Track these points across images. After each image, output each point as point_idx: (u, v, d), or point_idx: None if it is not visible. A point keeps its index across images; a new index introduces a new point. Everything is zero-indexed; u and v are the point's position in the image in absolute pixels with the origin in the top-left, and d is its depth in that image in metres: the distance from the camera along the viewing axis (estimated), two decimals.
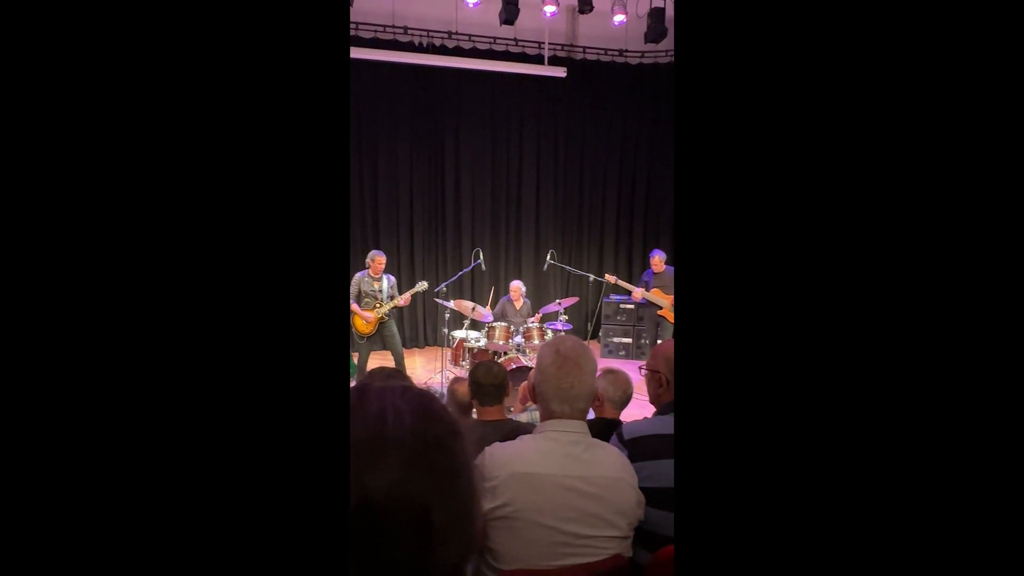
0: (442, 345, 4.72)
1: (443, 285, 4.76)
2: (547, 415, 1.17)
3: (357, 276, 4.17)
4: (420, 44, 5.39)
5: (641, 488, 1.15)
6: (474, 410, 2.13)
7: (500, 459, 1.10)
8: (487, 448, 1.14)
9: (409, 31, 5.33)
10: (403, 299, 4.16)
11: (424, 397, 0.46)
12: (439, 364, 4.68)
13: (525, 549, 1.06)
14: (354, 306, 4.12)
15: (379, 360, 4.34)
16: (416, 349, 5.85)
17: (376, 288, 4.13)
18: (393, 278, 4.28)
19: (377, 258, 4.17)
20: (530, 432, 1.27)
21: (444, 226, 5.87)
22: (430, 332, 5.92)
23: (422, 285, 4.32)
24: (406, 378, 1.39)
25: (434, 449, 0.42)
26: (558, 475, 1.08)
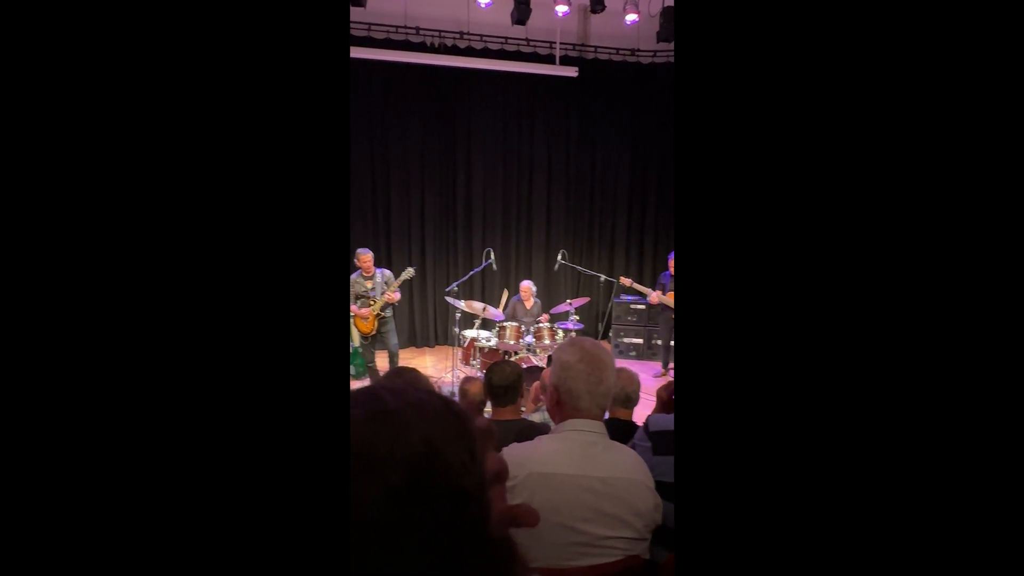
0: (453, 344, 4.74)
1: (454, 285, 4.77)
2: (570, 414, 1.18)
3: (351, 279, 4.15)
4: (432, 44, 5.41)
5: (662, 481, 1.16)
6: (487, 410, 2.13)
7: (518, 459, 1.11)
8: (504, 448, 1.15)
9: (421, 32, 5.35)
10: (390, 293, 4.11)
11: (434, 390, 0.47)
12: (450, 363, 4.70)
13: (543, 549, 1.06)
14: (352, 308, 4.13)
15: (385, 359, 4.36)
16: (427, 348, 5.88)
17: (368, 287, 4.12)
18: (388, 271, 4.24)
19: (361, 256, 4.13)
20: (545, 432, 1.28)
21: (455, 226, 5.89)
22: (440, 331, 5.94)
23: (408, 272, 4.25)
24: (421, 376, 1.41)
25: (460, 417, 0.42)
26: (575, 475, 1.09)
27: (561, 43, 5.55)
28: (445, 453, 0.40)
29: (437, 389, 0.51)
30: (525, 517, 0.43)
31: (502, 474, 0.44)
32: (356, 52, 4.95)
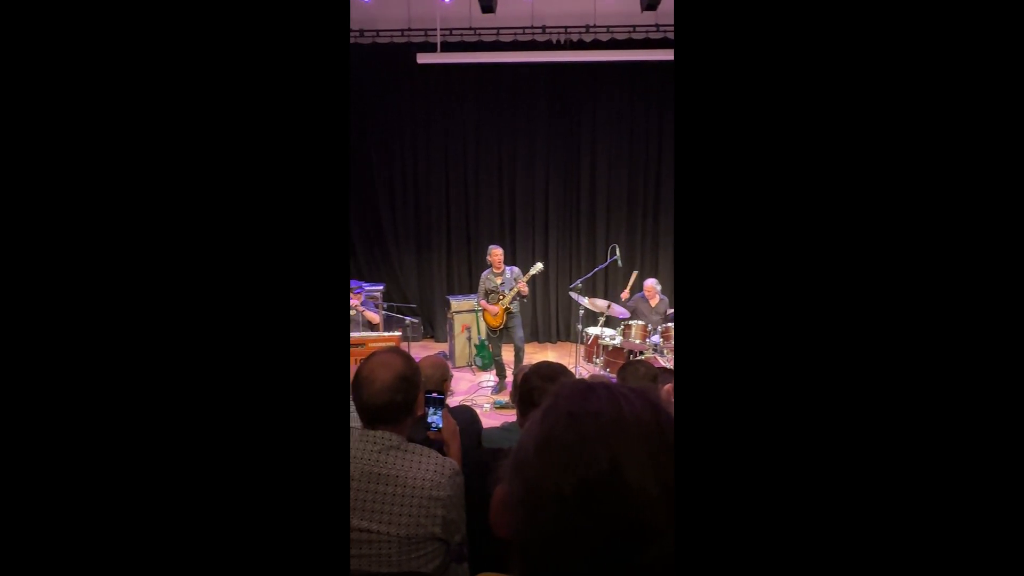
0: (575, 341, 4.73)
1: (578, 281, 4.75)
2: None
3: (482, 275, 4.39)
4: (558, 41, 5.43)
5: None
6: None
7: None
8: None
9: (547, 30, 5.39)
10: (520, 286, 4.22)
11: (651, 391, 0.44)
12: (572, 360, 4.70)
13: None
14: (482, 302, 4.35)
15: (511, 352, 4.48)
16: (549, 344, 5.94)
17: (498, 283, 4.29)
18: (516, 268, 4.39)
19: (493, 251, 4.33)
20: None
21: (578, 222, 5.87)
22: (563, 327, 5.97)
23: (538, 267, 4.33)
24: (569, 373, 1.42)
25: (670, 446, 0.39)
26: None
27: None
28: (630, 479, 0.37)
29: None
30: None
31: None
32: (483, 56, 5.15)
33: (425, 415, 1.34)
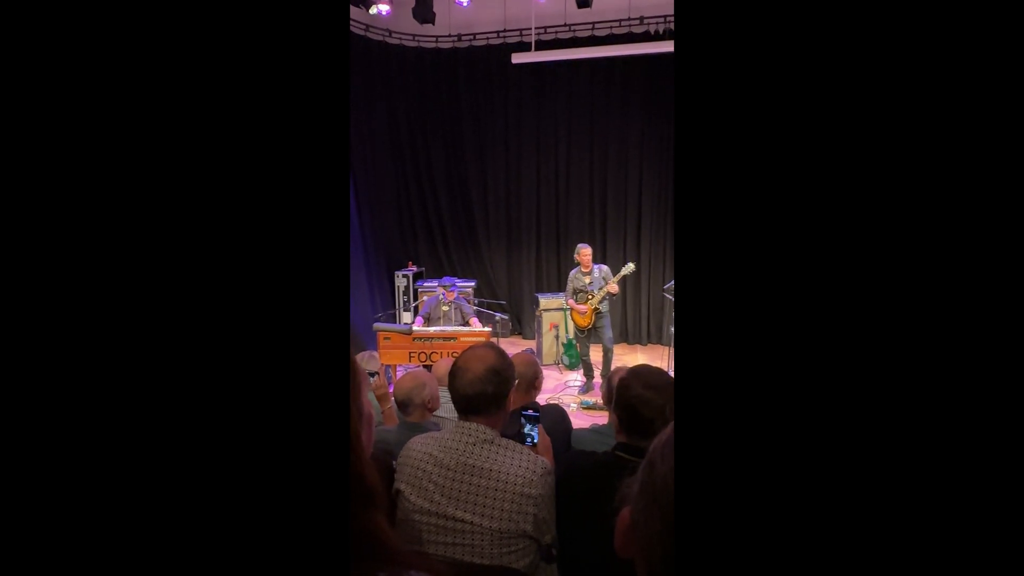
0: (667, 344, 4.53)
1: (673, 282, 4.54)
2: None
3: (570, 274, 4.36)
4: (656, 32, 5.23)
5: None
6: None
7: None
8: None
9: (645, 20, 5.22)
10: (610, 285, 4.15)
11: None
12: (664, 364, 4.51)
13: None
14: (570, 301, 4.33)
15: (599, 353, 4.39)
16: (639, 346, 5.76)
17: (586, 283, 4.24)
18: (605, 267, 4.31)
19: (582, 250, 4.27)
20: None
21: (673, 220, 5.62)
22: (654, 329, 5.75)
23: (629, 267, 4.23)
24: (670, 378, 1.35)
25: None
26: None
27: None
28: None
29: None
30: None
31: None
32: (577, 53, 5.09)
33: (518, 412, 1.35)
